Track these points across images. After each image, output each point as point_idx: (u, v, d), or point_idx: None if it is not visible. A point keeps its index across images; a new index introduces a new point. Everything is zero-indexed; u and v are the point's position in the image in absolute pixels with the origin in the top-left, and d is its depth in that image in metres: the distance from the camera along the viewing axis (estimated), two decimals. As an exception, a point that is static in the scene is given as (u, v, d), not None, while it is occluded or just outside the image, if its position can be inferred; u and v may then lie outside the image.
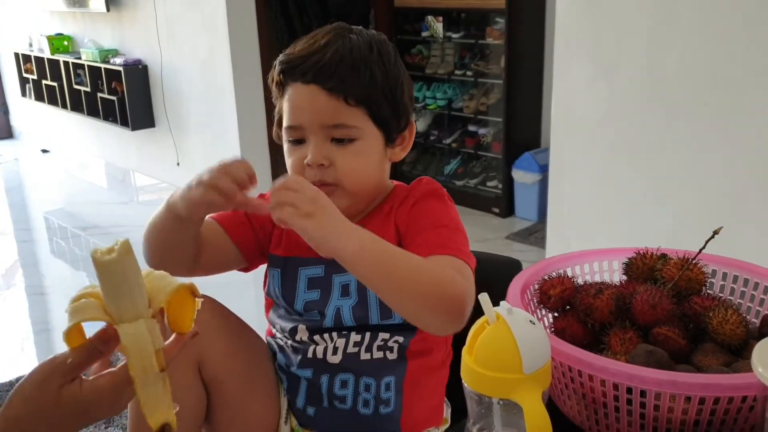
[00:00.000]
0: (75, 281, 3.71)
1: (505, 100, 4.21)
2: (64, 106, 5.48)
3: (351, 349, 1.12)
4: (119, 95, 4.78)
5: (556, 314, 0.96)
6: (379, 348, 1.12)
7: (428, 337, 1.13)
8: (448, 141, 4.65)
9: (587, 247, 1.26)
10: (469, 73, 4.45)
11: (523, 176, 4.19)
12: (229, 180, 0.93)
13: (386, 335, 1.12)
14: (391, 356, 1.12)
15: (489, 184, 4.46)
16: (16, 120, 6.88)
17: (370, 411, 1.13)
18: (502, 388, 0.73)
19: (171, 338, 0.77)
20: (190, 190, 0.95)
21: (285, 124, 1.09)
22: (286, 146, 1.11)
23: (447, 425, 1.21)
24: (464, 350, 0.76)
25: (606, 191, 2.60)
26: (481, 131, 4.51)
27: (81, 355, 0.71)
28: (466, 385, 0.76)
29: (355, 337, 1.12)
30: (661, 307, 0.89)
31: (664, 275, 0.95)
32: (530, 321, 0.75)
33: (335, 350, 1.12)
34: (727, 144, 2.25)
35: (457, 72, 4.53)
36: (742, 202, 2.26)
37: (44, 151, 6.32)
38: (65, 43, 5.49)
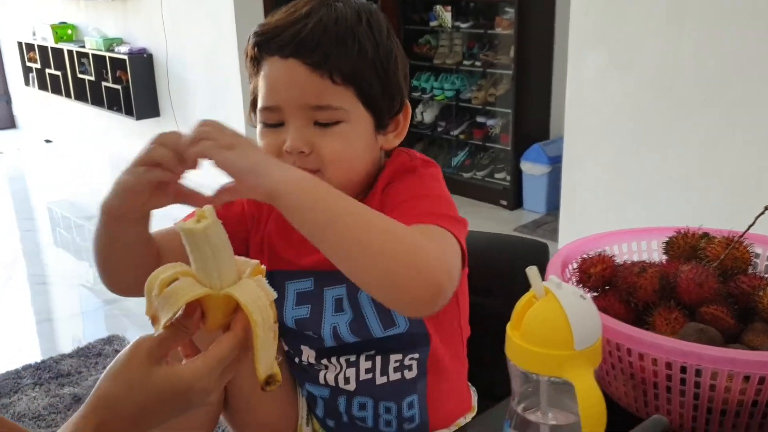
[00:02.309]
0: (78, 271, 3.69)
1: (514, 91, 4.16)
2: (68, 96, 5.44)
3: (364, 376, 1.03)
4: (124, 84, 4.75)
5: (596, 293, 0.93)
6: (396, 369, 1.03)
7: (445, 340, 1.04)
8: (455, 132, 4.61)
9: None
10: (477, 63, 4.41)
11: (531, 168, 4.15)
12: (165, 150, 0.76)
13: (399, 356, 1.02)
14: (410, 374, 1.03)
15: (497, 176, 4.42)
16: (18, 110, 6.84)
17: (393, 429, 1.06)
18: (551, 365, 0.69)
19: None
20: (124, 175, 0.78)
21: (260, 104, 0.94)
22: (259, 129, 0.96)
23: (474, 412, 1.17)
24: (509, 327, 0.73)
25: (620, 181, 2.57)
26: (489, 122, 4.47)
27: (167, 331, 0.68)
28: (511, 362, 0.72)
29: (365, 364, 1.02)
30: (708, 286, 0.86)
31: (708, 254, 0.92)
32: (581, 296, 0.71)
33: (347, 380, 1.04)
34: (742, 134, 2.22)
35: (465, 62, 4.49)
36: (757, 191, 2.22)
37: (47, 141, 6.29)
38: (69, 31, 5.45)
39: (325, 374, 1.05)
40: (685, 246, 0.95)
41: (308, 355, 1.05)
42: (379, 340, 1.01)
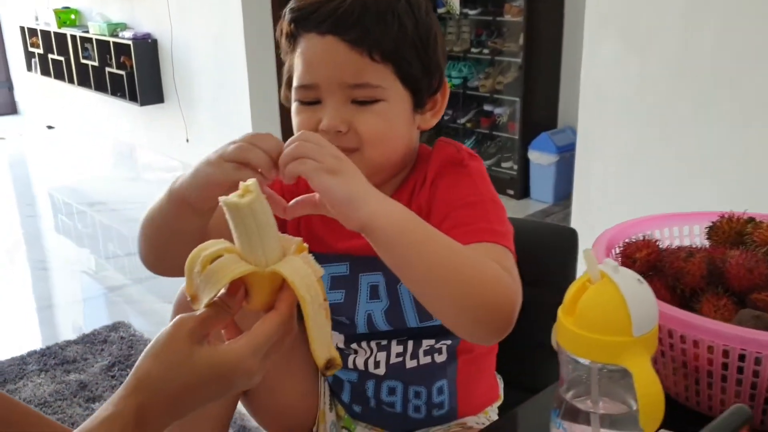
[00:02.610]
0: (79, 257, 3.66)
1: (523, 80, 4.12)
2: (71, 81, 5.39)
3: (394, 360, 1.01)
4: (128, 70, 4.70)
5: (639, 277, 0.89)
6: (426, 353, 1.01)
7: None
8: (462, 120, 4.57)
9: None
10: (485, 51, 4.36)
11: (539, 157, 4.11)
12: (261, 153, 0.75)
13: (431, 341, 1.01)
14: (440, 358, 1.02)
15: (504, 165, 4.38)
16: (20, 95, 6.79)
17: (422, 415, 1.05)
18: (608, 352, 0.66)
19: None
20: (209, 166, 0.78)
21: (296, 82, 0.92)
22: (295, 107, 0.94)
23: (501, 401, 1.15)
24: (561, 311, 0.69)
25: (637, 169, 2.53)
26: (497, 111, 4.43)
27: (209, 310, 0.66)
28: (562, 348, 0.69)
29: (396, 348, 1.01)
30: (759, 272, 0.82)
31: (756, 239, 0.88)
32: (638, 279, 0.68)
33: (377, 363, 1.02)
34: (762, 123, 2.18)
35: (473, 50, 4.44)
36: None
37: (49, 127, 6.24)
38: (72, 16, 5.40)
39: (355, 359, 1.03)
40: (730, 231, 0.92)
41: (337, 339, 1.03)
42: (412, 329, 0.99)
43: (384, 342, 1.01)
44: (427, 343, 1.00)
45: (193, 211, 0.83)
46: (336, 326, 1.01)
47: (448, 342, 1.01)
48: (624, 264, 0.89)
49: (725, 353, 0.72)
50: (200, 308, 0.66)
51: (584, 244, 1.21)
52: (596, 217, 2.67)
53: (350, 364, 1.03)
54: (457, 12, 4.40)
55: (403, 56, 0.90)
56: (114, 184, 4.83)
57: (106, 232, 4.02)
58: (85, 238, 3.93)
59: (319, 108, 0.91)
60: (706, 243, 0.95)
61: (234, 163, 0.76)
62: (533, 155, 4.14)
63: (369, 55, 0.88)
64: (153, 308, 3.07)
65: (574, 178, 2.75)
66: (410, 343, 1.00)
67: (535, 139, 4.14)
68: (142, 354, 0.66)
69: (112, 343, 2.65)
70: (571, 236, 1.21)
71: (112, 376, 2.42)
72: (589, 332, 0.66)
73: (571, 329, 0.67)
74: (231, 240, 0.68)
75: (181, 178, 0.83)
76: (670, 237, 0.97)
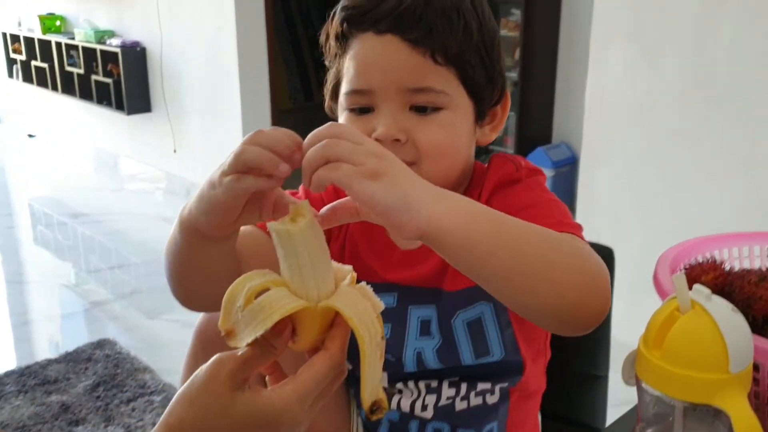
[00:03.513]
0: (60, 270, 3.54)
1: (518, 94, 4.07)
2: (55, 89, 5.28)
3: (443, 402, 0.92)
4: (115, 78, 4.60)
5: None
6: (478, 394, 0.92)
7: (534, 365, 0.94)
8: (456, 135, 4.50)
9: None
10: (481, 65, 4.31)
11: (534, 173, 4.05)
12: (258, 149, 0.62)
13: (487, 385, 0.92)
14: (492, 399, 0.93)
15: (498, 180, 4.31)
16: (0, 102, 6.64)
17: None
18: (702, 391, 0.58)
19: None
20: (211, 187, 0.65)
21: (347, 88, 0.83)
22: (344, 117, 0.85)
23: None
24: (643, 344, 0.61)
25: (643, 181, 2.46)
26: (492, 125, 4.37)
27: (252, 350, 0.58)
28: (645, 384, 0.61)
29: (448, 391, 0.91)
30: (838, 299, 0.75)
31: (830, 262, 0.81)
32: (732, 309, 0.60)
33: (425, 407, 0.92)
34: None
35: (467, 64, 4.38)
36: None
37: (30, 135, 6.10)
38: (57, 23, 5.29)
39: (399, 399, 0.92)
40: (798, 253, 0.84)
41: None
42: (467, 367, 0.89)
43: (434, 383, 0.91)
44: (482, 386, 0.91)
45: (208, 241, 0.70)
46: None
47: (505, 384, 0.92)
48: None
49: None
50: (239, 346, 0.57)
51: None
52: (601, 230, 2.60)
53: (393, 405, 0.93)
54: (452, 25, 4.35)
55: (468, 60, 0.82)
56: (97, 195, 4.71)
57: (89, 244, 3.89)
58: (66, 251, 3.81)
59: (372, 116, 0.82)
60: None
61: (234, 175, 0.63)
62: (528, 171, 4.08)
63: (432, 56, 0.80)
64: (138, 324, 2.96)
65: (578, 190, 2.70)
66: (463, 386, 0.91)
67: (531, 154, 4.08)
68: (175, 397, 0.57)
69: (96, 362, 2.53)
70: (608, 256, 1.13)
71: (97, 397, 2.29)
72: (680, 368, 0.58)
73: (659, 364, 0.59)
74: (270, 266, 0.60)
75: (189, 204, 0.70)
76: (730, 258, 0.89)
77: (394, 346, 0.90)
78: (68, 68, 5.07)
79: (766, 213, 2.18)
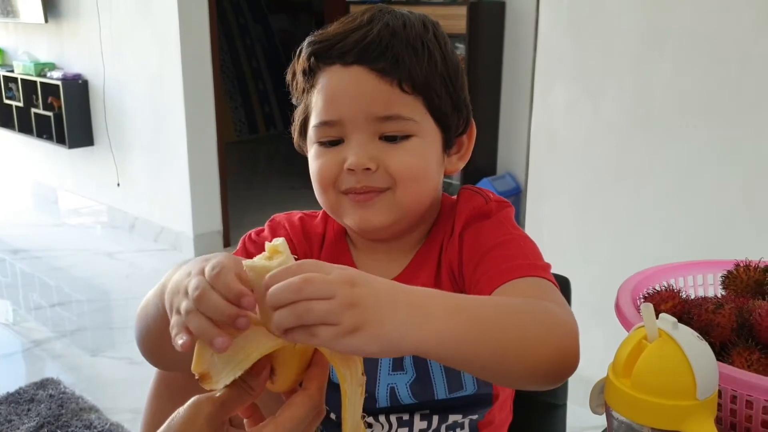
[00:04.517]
0: (-1, 309, 3.42)
1: (464, 126, 4.14)
2: (-8, 122, 5.14)
3: None
4: (56, 111, 4.50)
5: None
6: (449, 428, 0.93)
7: (504, 397, 0.96)
8: (402, 167, 4.54)
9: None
10: (426, 98, 4.37)
11: (480, 203, 4.11)
12: (203, 321, 0.57)
13: (458, 416, 0.92)
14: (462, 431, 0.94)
15: (445, 211, 4.37)
16: (-67, 137, 6.43)
17: None
18: (670, 417, 0.60)
19: None
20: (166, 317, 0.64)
21: (316, 120, 0.84)
22: (314, 151, 0.86)
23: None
24: (613, 371, 0.63)
25: (589, 216, 2.53)
26: (438, 157, 4.43)
27: (230, 391, 0.58)
28: (615, 412, 0.63)
29: (420, 424, 0.91)
30: (790, 324, 0.78)
31: (778, 289, 0.84)
32: (697, 336, 0.62)
33: None
34: (715, 169, 2.21)
35: (413, 97, 4.44)
36: (729, 228, 2.21)
37: (-36, 170, 5.92)
38: (-5, 55, 5.17)
39: None
40: (748, 280, 0.88)
41: None
42: (440, 401, 0.90)
43: (406, 416, 0.91)
44: (453, 418, 0.91)
45: None
46: None
47: (475, 416, 0.93)
48: (648, 317, 0.84)
49: (783, 414, 0.66)
50: (216, 388, 0.57)
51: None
52: (548, 261, 2.65)
53: None
54: (398, 59, 4.41)
55: (434, 89, 0.84)
56: (37, 230, 4.59)
57: (28, 281, 3.78)
58: (4, 288, 3.69)
59: (342, 148, 0.83)
60: (721, 293, 0.91)
61: (180, 335, 0.59)
62: (475, 201, 4.14)
63: (399, 85, 0.82)
64: (81, 363, 2.89)
65: (526, 221, 2.74)
66: (435, 419, 0.91)
67: (476, 185, 4.13)
68: None
69: (39, 402, 2.45)
70: (564, 285, 1.16)
71: (42, 439, 2.22)
72: (649, 396, 0.60)
73: (628, 392, 0.61)
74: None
75: (173, 276, 0.66)
76: (685, 287, 0.93)
77: (366, 382, 0.89)
78: (6, 101, 4.95)
79: (705, 245, 2.25)
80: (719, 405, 0.70)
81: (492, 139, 4.33)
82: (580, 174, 2.52)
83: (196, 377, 0.58)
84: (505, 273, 0.81)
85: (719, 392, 0.70)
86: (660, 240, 2.35)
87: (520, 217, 3.25)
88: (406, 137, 0.84)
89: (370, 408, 0.91)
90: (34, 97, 4.67)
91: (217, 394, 0.58)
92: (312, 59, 0.85)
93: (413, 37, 0.83)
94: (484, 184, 4.10)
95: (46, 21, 4.49)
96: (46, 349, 3.01)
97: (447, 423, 0.92)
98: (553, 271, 0.91)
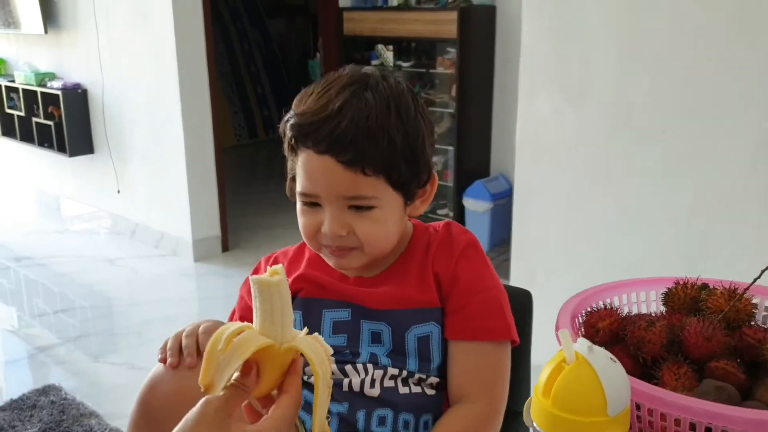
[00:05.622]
0: (4, 315, 3.51)
1: (456, 129, 4.21)
2: (-6, 132, 5.23)
3: (388, 383, 1.06)
4: (56, 120, 4.59)
5: (603, 348, 0.91)
6: (416, 384, 1.07)
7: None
8: (398, 170, 4.60)
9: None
10: (419, 101, 4.43)
11: (474, 204, 4.18)
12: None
13: (423, 375, 1.08)
14: (430, 392, 1.08)
15: (440, 212, 4.44)
16: (-63, 145, 6.52)
17: None
18: (585, 433, 0.67)
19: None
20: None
21: (299, 189, 1.04)
22: (299, 206, 1.07)
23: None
24: (537, 393, 0.70)
25: (573, 218, 2.59)
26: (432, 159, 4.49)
27: (230, 391, 0.72)
28: (538, 427, 0.70)
29: (392, 370, 1.07)
30: (716, 340, 0.85)
31: (710, 306, 0.91)
32: (611, 359, 0.69)
33: (372, 383, 1.06)
34: (696, 172, 2.28)
35: (407, 101, 4.50)
36: (709, 230, 2.28)
37: (-32, 178, 6.01)
38: (-4, 65, 5.26)
39: (350, 381, 1.06)
40: (685, 298, 0.95)
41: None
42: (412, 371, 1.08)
43: (381, 363, 1.08)
44: (419, 376, 1.07)
45: None
46: (338, 360, 1.08)
47: (436, 381, 1.08)
48: (587, 334, 0.91)
49: (692, 426, 0.73)
50: (218, 392, 0.70)
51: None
52: (535, 262, 2.72)
53: (345, 387, 1.06)
54: (391, 64, 4.48)
55: (394, 167, 1.00)
56: (40, 238, 4.67)
57: (33, 288, 3.87)
58: (9, 295, 3.77)
59: (320, 210, 1.03)
60: (663, 309, 0.98)
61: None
62: (468, 203, 4.21)
63: (362, 171, 0.98)
64: (85, 368, 2.96)
65: (513, 225, 2.80)
66: (404, 372, 1.07)
67: (470, 187, 4.21)
68: None
69: (42, 409, 2.53)
70: (526, 299, 1.23)
71: (44, 445, 2.30)
72: (566, 413, 0.67)
73: (549, 410, 0.68)
74: None
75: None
76: (628, 303, 0.99)
77: (351, 353, 1.08)
78: (8, 111, 5.03)
79: (684, 248, 2.32)
80: (639, 418, 0.77)
81: (485, 142, 4.39)
82: (564, 179, 2.59)
83: (203, 389, 0.70)
84: (479, 332, 1.05)
85: (639, 406, 0.77)
86: (641, 243, 2.42)
87: (511, 218, 3.28)
88: (370, 208, 1.02)
89: (351, 362, 1.07)
90: (35, 106, 4.76)
91: (221, 394, 0.71)
92: (293, 139, 1.02)
93: (375, 126, 0.98)
94: (478, 185, 4.16)
95: (46, 32, 4.57)
96: (50, 355, 3.09)
97: (414, 377, 1.07)
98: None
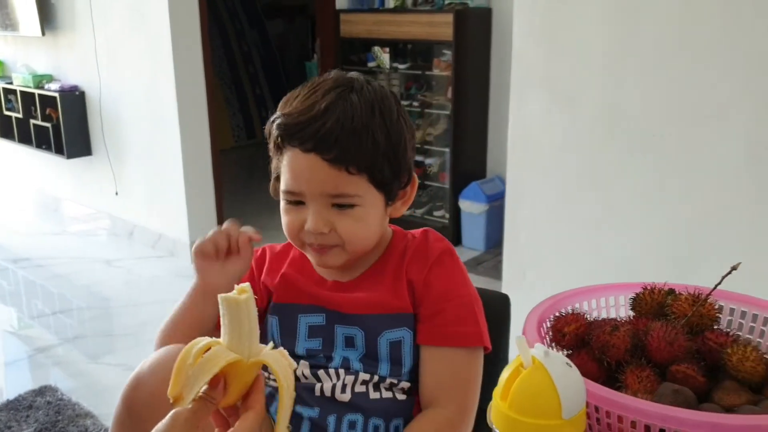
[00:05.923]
0: (2, 316, 3.53)
1: (452, 131, 4.23)
2: (-7, 133, 5.25)
3: (359, 388, 1.09)
4: (54, 122, 4.61)
5: (569, 352, 0.94)
6: (387, 389, 1.10)
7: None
8: (394, 171, 4.62)
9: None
10: (415, 103, 4.46)
11: (470, 206, 4.20)
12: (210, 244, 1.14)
13: (395, 380, 1.10)
14: (401, 397, 1.10)
15: (436, 213, 4.46)
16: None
17: None
18: (540, 435, 0.69)
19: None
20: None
21: (284, 187, 1.07)
22: (283, 205, 1.09)
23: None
24: (496, 395, 0.72)
25: (564, 220, 2.61)
26: (428, 161, 4.52)
27: (198, 403, 0.74)
28: (497, 430, 0.72)
29: (364, 375, 1.09)
30: (678, 344, 0.88)
31: (675, 311, 0.94)
32: (567, 363, 0.71)
33: (344, 388, 1.08)
34: (684, 175, 2.30)
35: (403, 102, 4.51)
36: (699, 232, 2.30)
37: (-32, 180, 6.04)
38: (-5, 67, 5.28)
39: (322, 386, 1.09)
40: (652, 303, 0.97)
41: (302, 369, 1.11)
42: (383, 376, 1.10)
43: (353, 368, 1.10)
44: (390, 381, 1.10)
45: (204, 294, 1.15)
46: (307, 360, 1.12)
47: (407, 386, 1.10)
48: (554, 338, 0.93)
49: (647, 428, 0.75)
50: (187, 404, 0.73)
51: (517, 301, 1.26)
52: (527, 264, 2.74)
53: (317, 392, 1.09)
54: (387, 66, 4.50)
55: (376, 166, 1.03)
56: (39, 239, 4.70)
57: (31, 289, 3.89)
58: (8, 296, 3.80)
59: (303, 208, 1.06)
60: (632, 313, 1.00)
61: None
62: (464, 204, 4.23)
63: (346, 170, 1.01)
64: (82, 369, 2.99)
65: (505, 226, 2.82)
66: (377, 377, 1.10)
67: (466, 189, 4.23)
68: None
69: (38, 409, 2.56)
70: (504, 302, 1.26)
71: (39, 445, 2.33)
72: (522, 416, 0.69)
73: (506, 413, 0.70)
74: None
75: None
76: (597, 308, 1.02)
77: (325, 357, 1.11)
78: (6, 113, 5.06)
79: (674, 248, 2.34)
80: (598, 420, 0.80)
81: (481, 143, 4.41)
82: (555, 181, 2.61)
83: (171, 401, 0.73)
84: (452, 338, 1.07)
85: (597, 408, 0.79)
86: (631, 245, 2.44)
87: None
88: (352, 206, 1.05)
89: (323, 366, 1.10)
90: (33, 108, 4.79)
91: (190, 406, 0.73)
92: (279, 138, 1.05)
93: (359, 126, 1.01)
94: (473, 187, 4.19)
95: (43, 34, 4.60)
96: (48, 355, 3.11)
97: (385, 383, 1.10)
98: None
